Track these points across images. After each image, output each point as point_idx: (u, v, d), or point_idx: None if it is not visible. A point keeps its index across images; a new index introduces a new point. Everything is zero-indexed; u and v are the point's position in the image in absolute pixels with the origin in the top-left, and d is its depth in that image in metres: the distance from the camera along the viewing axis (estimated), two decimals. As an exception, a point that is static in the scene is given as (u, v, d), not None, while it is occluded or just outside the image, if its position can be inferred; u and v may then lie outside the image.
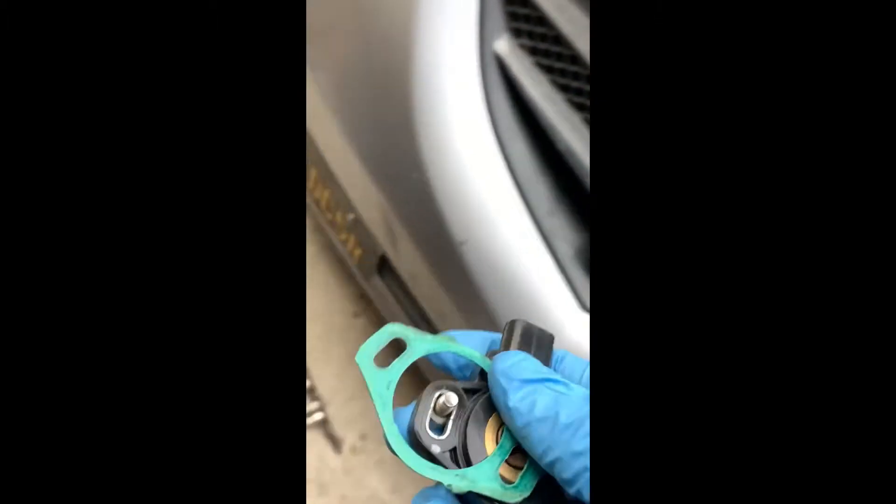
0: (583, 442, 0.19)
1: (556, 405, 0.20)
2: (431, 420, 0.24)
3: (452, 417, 0.24)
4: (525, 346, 0.24)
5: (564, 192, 0.69)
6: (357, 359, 0.24)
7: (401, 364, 0.24)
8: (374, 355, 0.24)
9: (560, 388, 0.21)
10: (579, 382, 0.23)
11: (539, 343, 0.24)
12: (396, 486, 1.13)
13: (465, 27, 0.70)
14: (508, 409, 0.21)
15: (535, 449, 0.20)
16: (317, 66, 0.85)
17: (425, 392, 0.24)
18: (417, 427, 0.23)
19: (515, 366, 0.22)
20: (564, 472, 0.19)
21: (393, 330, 0.25)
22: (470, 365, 0.25)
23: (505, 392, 0.21)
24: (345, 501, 1.10)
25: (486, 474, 0.22)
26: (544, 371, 0.22)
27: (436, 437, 0.23)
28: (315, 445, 1.12)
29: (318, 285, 1.23)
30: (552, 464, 0.20)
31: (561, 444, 0.19)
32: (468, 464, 0.23)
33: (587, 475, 0.19)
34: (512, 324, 0.25)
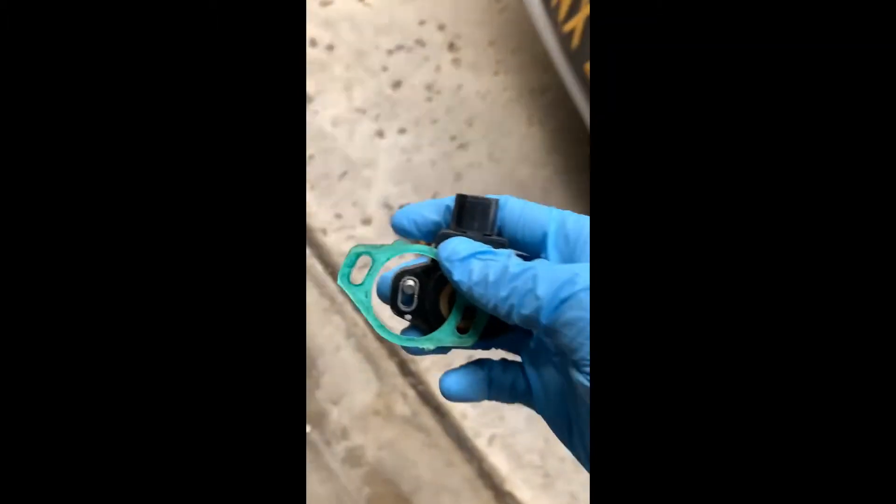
0: (506, 288, 0.27)
1: (486, 269, 0.27)
2: (402, 298, 0.31)
3: (416, 295, 0.31)
4: (469, 219, 0.30)
5: None
6: (338, 282, 0.31)
7: (370, 276, 0.31)
8: (349, 275, 0.31)
9: (488, 256, 0.28)
10: (518, 221, 0.30)
11: (482, 212, 0.30)
12: None
13: None
14: (455, 281, 0.28)
15: (479, 302, 0.28)
16: None
17: (393, 279, 0.31)
18: (392, 310, 0.31)
19: (453, 250, 0.28)
20: (501, 312, 0.27)
21: (357, 251, 0.31)
22: (432, 228, 0.32)
23: (449, 271, 0.28)
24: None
25: (446, 333, 0.30)
26: (475, 246, 0.28)
27: (406, 308, 0.31)
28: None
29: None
30: (494, 309, 0.27)
31: (493, 295, 0.27)
32: (431, 328, 0.31)
33: (515, 310, 0.26)
34: (456, 199, 0.31)
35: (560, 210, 0.30)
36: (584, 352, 0.24)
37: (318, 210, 0.98)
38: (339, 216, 0.98)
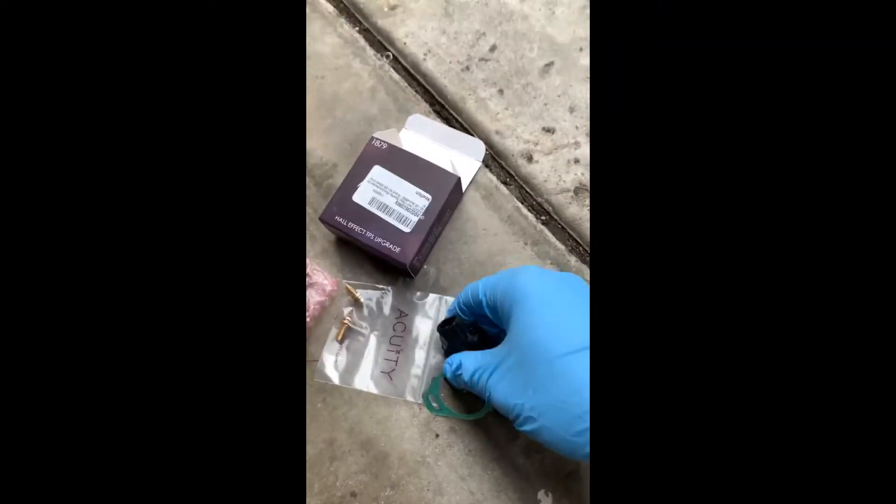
0: (472, 389, 0.46)
1: (458, 383, 0.47)
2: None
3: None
4: (452, 339, 0.50)
5: None
6: (432, 413, 0.51)
7: (439, 401, 0.51)
8: (430, 406, 0.51)
9: (458, 373, 0.46)
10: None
11: (454, 332, 0.49)
12: None
13: None
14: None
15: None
16: None
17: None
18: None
19: (448, 373, 0.48)
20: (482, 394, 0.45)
21: (426, 395, 0.52)
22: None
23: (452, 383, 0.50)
24: None
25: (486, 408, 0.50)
26: (452, 369, 0.47)
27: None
28: None
29: None
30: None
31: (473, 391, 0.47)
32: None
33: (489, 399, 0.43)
34: (438, 331, 0.52)
35: (484, 281, 0.46)
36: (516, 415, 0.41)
37: (514, 124, 0.60)
38: (549, 130, 0.60)
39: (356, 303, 0.54)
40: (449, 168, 0.57)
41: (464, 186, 0.58)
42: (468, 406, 0.51)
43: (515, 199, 0.58)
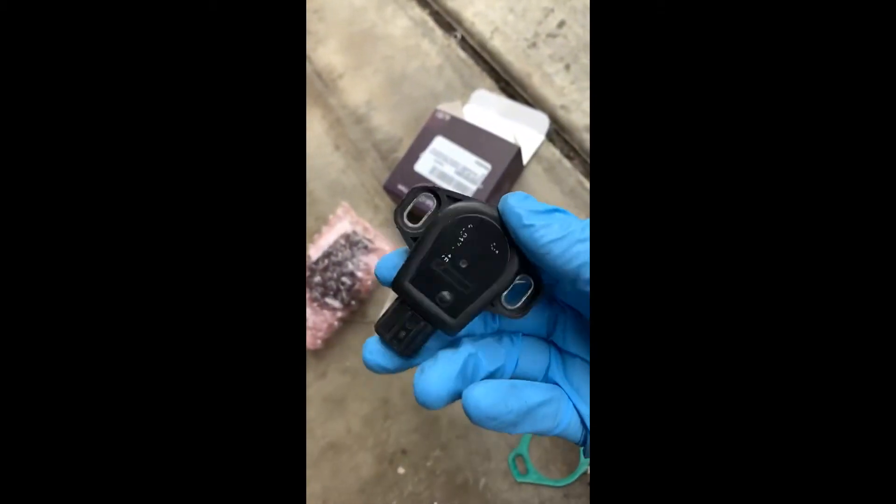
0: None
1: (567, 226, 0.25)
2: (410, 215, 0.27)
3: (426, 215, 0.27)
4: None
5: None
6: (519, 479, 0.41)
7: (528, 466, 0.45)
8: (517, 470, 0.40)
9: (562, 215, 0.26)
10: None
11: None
12: None
13: None
14: (530, 237, 0.25)
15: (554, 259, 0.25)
16: None
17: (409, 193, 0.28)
18: (398, 219, 0.27)
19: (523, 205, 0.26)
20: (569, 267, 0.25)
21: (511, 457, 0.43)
22: None
23: (525, 226, 0.25)
24: None
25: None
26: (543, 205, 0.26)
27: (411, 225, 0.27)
28: None
29: None
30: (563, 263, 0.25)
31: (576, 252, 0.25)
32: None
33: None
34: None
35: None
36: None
37: (580, 99, 0.59)
38: (615, 104, 0.59)
39: (415, 270, 0.56)
40: (511, 141, 0.57)
41: (526, 160, 0.58)
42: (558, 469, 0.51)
43: (579, 174, 0.57)
